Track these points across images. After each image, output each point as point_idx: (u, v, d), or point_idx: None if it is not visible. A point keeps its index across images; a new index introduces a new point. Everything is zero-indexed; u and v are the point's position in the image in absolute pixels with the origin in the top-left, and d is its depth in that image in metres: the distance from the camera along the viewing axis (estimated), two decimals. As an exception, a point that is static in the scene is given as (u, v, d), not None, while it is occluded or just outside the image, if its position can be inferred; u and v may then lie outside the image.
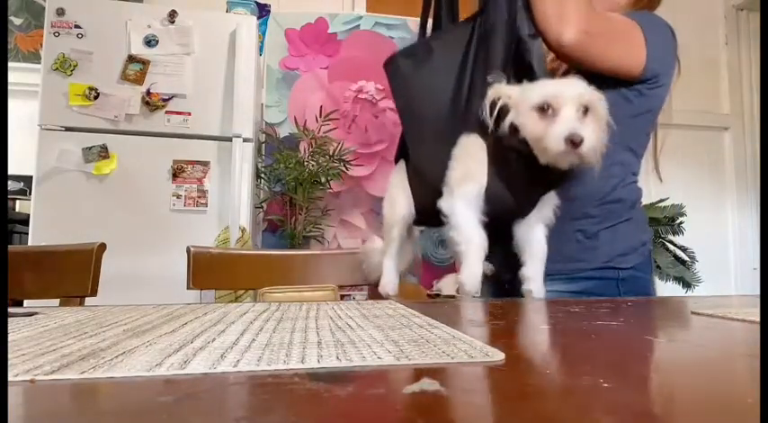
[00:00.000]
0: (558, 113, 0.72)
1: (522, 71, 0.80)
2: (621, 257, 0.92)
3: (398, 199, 0.91)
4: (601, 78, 0.83)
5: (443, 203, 0.80)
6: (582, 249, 0.92)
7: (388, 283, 0.94)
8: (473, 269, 0.77)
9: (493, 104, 0.75)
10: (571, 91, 0.73)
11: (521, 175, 0.76)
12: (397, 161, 0.96)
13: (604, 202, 0.92)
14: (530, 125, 0.73)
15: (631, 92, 0.90)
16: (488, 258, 0.79)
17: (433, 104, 0.85)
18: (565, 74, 0.97)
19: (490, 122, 0.75)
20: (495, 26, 0.82)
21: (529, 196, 0.80)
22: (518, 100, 0.75)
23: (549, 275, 0.88)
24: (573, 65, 0.87)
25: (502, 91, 0.76)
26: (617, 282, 0.91)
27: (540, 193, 0.80)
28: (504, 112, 0.75)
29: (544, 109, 0.72)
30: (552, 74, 0.97)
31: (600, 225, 0.92)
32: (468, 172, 0.78)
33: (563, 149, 0.70)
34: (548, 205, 0.82)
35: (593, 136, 0.71)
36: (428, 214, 0.84)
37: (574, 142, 0.69)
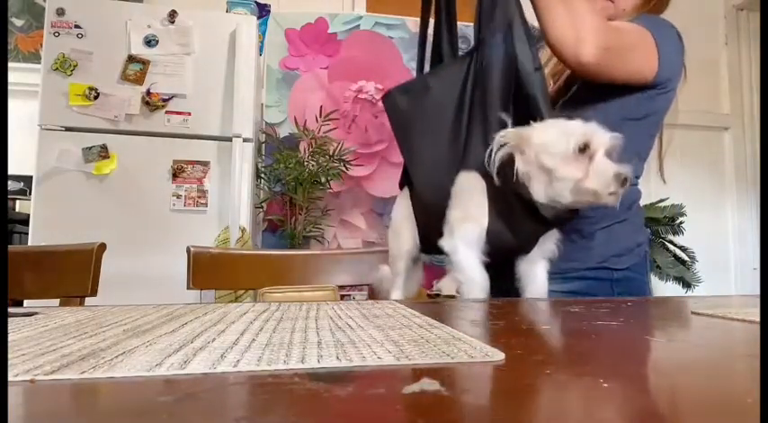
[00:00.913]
0: (595, 155, 0.71)
1: (522, 106, 0.79)
2: (616, 258, 0.92)
3: (403, 231, 0.91)
4: (612, 85, 0.84)
5: (444, 243, 0.80)
6: (576, 249, 0.91)
7: None
8: None
9: (500, 148, 0.74)
10: (604, 133, 0.72)
11: (523, 216, 0.76)
12: (401, 187, 0.95)
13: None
14: (568, 166, 0.71)
15: (642, 95, 0.90)
16: (492, 294, 0.79)
17: (431, 140, 0.86)
18: (568, 80, 0.97)
19: (494, 168, 0.74)
20: (491, 63, 0.81)
21: (530, 235, 0.80)
22: (543, 141, 0.73)
23: None
24: (591, 79, 0.86)
25: (521, 134, 0.74)
26: (611, 282, 0.91)
27: (542, 232, 0.80)
28: (508, 156, 0.74)
29: (581, 150, 0.71)
30: (563, 85, 0.98)
31: (596, 225, 0.92)
32: (469, 212, 0.78)
33: (612, 189, 0.70)
34: (550, 240, 0.81)
35: (632, 176, 0.72)
36: (432, 244, 0.84)
37: (626, 179, 0.69)
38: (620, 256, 0.92)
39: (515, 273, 0.83)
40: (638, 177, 0.98)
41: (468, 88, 0.84)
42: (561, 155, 0.71)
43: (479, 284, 0.78)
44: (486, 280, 0.78)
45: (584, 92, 0.91)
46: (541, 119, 0.76)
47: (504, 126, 0.76)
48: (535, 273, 0.82)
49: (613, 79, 0.85)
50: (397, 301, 0.73)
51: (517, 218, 0.77)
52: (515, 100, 0.81)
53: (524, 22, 0.81)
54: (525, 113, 0.78)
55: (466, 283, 0.78)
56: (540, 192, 0.74)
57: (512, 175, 0.73)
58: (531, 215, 0.75)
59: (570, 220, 0.80)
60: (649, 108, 0.92)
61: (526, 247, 0.81)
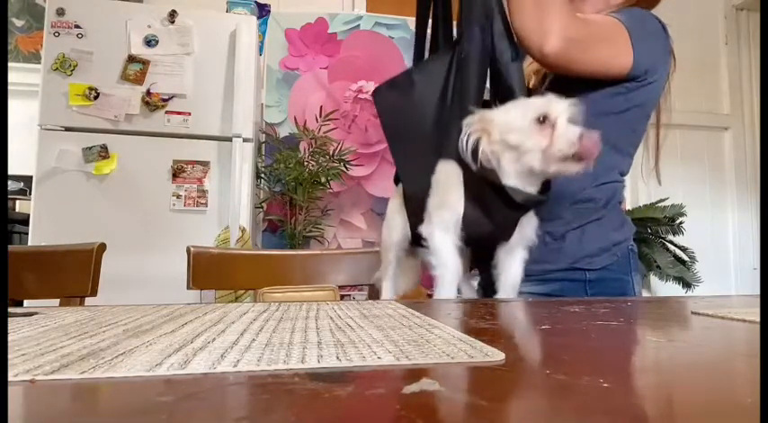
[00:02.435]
0: (556, 122, 0.73)
1: (504, 97, 0.81)
2: (589, 258, 0.91)
3: (394, 223, 0.93)
4: (586, 79, 0.83)
5: (423, 229, 0.82)
6: (548, 251, 0.91)
7: None
8: (446, 294, 0.79)
9: (468, 134, 0.76)
10: (561, 102, 0.74)
11: (496, 202, 0.77)
12: (397, 183, 0.97)
13: (575, 202, 0.92)
14: (532, 138, 0.73)
15: (617, 88, 0.89)
16: (478, 283, 0.80)
17: (416, 134, 0.87)
18: (548, 79, 0.96)
19: (468, 155, 0.75)
20: (470, 55, 0.83)
21: (505, 221, 0.80)
22: (505, 120, 0.75)
23: None
24: (558, 72, 0.87)
25: (483, 116, 0.76)
26: (584, 283, 0.90)
27: (516, 217, 0.81)
28: (478, 141, 0.76)
29: (541, 120, 0.73)
30: (540, 80, 0.98)
31: (567, 226, 0.92)
32: (445, 199, 0.80)
33: (576, 150, 0.71)
34: (529, 226, 0.82)
35: (598, 138, 0.72)
36: (420, 237, 0.86)
37: (589, 140, 0.70)
38: (593, 256, 0.91)
39: (494, 260, 0.84)
40: (622, 174, 0.96)
41: (450, 81, 0.85)
42: (523, 129, 0.74)
43: (452, 270, 0.79)
44: (459, 265, 0.80)
45: (558, 86, 0.91)
46: None
47: None
48: (511, 262, 0.83)
49: (580, 72, 0.84)
50: (397, 300, 0.73)
51: (491, 204, 0.78)
52: (496, 91, 0.83)
53: (503, 14, 0.83)
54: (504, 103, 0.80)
55: (438, 267, 0.80)
56: (510, 171, 0.75)
57: (483, 157, 0.75)
58: (502, 200, 0.77)
59: (541, 202, 0.80)
60: (630, 101, 0.90)
61: (504, 233, 0.82)
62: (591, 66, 0.85)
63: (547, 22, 0.79)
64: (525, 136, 0.74)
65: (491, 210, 0.78)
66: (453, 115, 0.82)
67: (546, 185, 0.79)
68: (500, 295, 0.84)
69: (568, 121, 0.73)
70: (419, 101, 0.87)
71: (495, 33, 0.82)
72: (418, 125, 0.87)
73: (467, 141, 0.75)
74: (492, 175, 0.76)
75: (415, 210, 0.86)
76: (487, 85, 0.85)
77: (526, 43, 0.82)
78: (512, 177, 0.76)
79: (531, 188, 0.77)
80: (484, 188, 0.77)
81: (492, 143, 0.76)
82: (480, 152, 0.75)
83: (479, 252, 0.89)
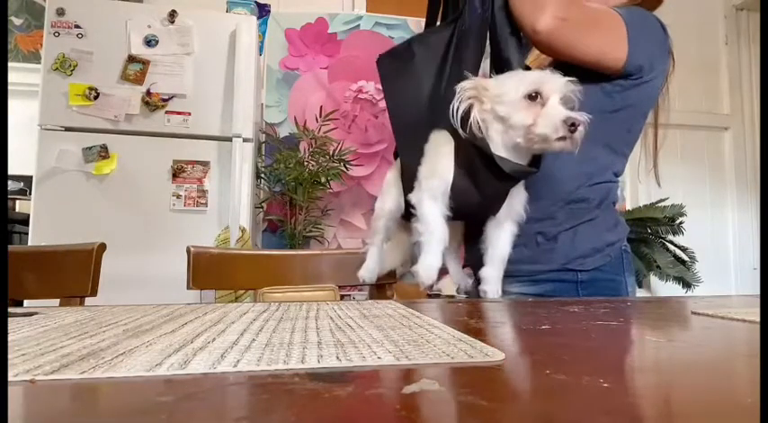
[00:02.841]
0: (547, 101, 0.73)
1: (501, 70, 0.82)
2: (581, 259, 0.90)
3: (389, 193, 0.93)
4: (581, 71, 0.83)
5: (412, 196, 0.83)
6: (540, 252, 0.91)
7: (366, 268, 0.96)
8: (431, 260, 0.78)
9: (461, 101, 0.76)
10: (557, 80, 0.74)
11: (484, 171, 0.78)
12: (396, 157, 0.97)
13: (569, 202, 0.92)
14: (519, 113, 0.74)
15: (612, 86, 0.88)
16: (466, 260, 0.80)
17: (414, 105, 0.88)
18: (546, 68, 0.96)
19: (457, 120, 0.76)
20: (470, 28, 0.84)
21: (494, 192, 0.81)
22: (498, 91, 0.76)
23: (512, 276, 0.89)
24: (551, 55, 0.87)
25: (478, 83, 0.77)
26: (576, 284, 0.90)
27: (505, 188, 0.81)
28: (469, 108, 0.77)
29: (533, 97, 0.73)
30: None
31: (560, 227, 0.91)
32: (435, 167, 0.80)
33: (560, 134, 0.71)
34: (517, 199, 0.83)
35: (585, 121, 0.72)
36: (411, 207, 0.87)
37: (574, 125, 0.70)
38: (586, 257, 0.90)
39: (482, 234, 0.85)
40: (617, 175, 0.96)
41: (450, 52, 0.86)
42: (513, 102, 0.74)
43: (437, 237, 0.79)
44: (446, 233, 0.80)
45: None
46: None
47: None
48: (499, 234, 0.84)
49: (572, 56, 0.84)
50: (397, 300, 0.73)
51: (480, 174, 0.78)
52: (495, 64, 0.84)
53: None
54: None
55: (425, 234, 0.80)
56: (497, 141, 0.76)
57: (473, 123, 0.76)
58: (491, 171, 0.77)
59: (530, 174, 0.80)
60: (625, 100, 0.89)
61: (492, 205, 0.82)
62: (583, 52, 0.84)
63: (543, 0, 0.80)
64: (513, 110, 0.74)
65: (480, 180, 0.79)
66: (450, 87, 0.82)
67: (537, 158, 0.80)
68: (487, 269, 0.84)
69: (561, 100, 0.73)
70: (418, 72, 0.88)
71: (496, 6, 0.83)
72: (416, 96, 0.88)
73: (457, 107, 0.76)
74: (481, 142, 0.76)
75: (410, 180, 0.86)
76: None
77: (520, 19, 0.82)
78: (500, 148, 0.76)
79: (521, 160, 0.78)
80: (473, 158, 0.78)
81: (483, 111, 0.76)
82: (471, 118, 0.76)
83: (469, 227, 0.89)
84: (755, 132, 3.55)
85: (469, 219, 0.88)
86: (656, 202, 2.86)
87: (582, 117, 0.71)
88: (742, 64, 3.60)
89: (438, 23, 0.97)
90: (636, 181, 3.04)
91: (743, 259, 3.48)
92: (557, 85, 0.73)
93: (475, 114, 0.76)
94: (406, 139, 0.89)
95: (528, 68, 0.85)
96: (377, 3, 3.13)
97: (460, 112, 0.76)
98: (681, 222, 2.81)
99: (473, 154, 0.77)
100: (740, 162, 3.55)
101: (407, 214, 0.90)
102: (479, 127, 0.76)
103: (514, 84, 0.75)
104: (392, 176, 0.95)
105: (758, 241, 3.42)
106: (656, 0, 0.99)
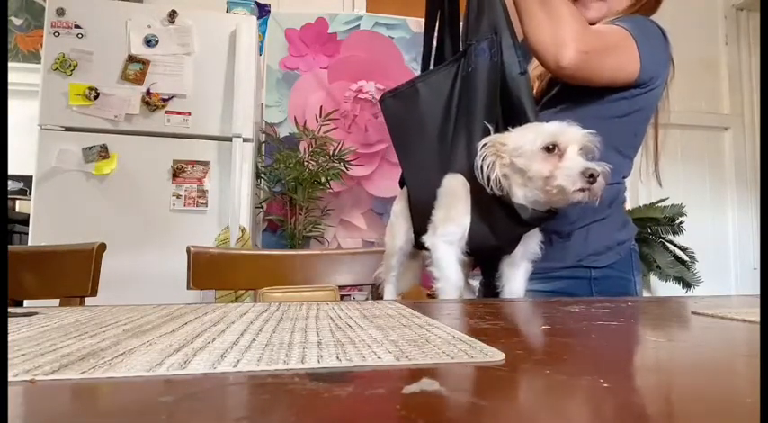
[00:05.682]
0: (565, 153, 0.73)
1: (509, 110, 0.81)
2: (594, 256, 0.92)
3: (398, 228, 0.94)
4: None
5: (427, 240, 0.83)
6: (554, 249, 0.92)
7: None
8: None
9: (484, 157, 0.76)
10: (575, 131, 0.73)
11: (502, 218, 0.78)
12: (402, 185, 0.98)
13: None
14: (536, 165, 0.73)
15: (623, 94, 0.90)
16: (480, 282, 0.80)
17: (421, 143, 0.89)
18: (551, 81, 0.97)
19: (484, 179, 0.76)
20: (477, 70, 0.83)
21: (509, 235, 0.81)
22: (516, 144, 0.75)
23: None
24: (571, 82, 0.87)
25: (496, 140, 0.77)
26: (589, 281, 0.91)
27: (521, 233, 0.81)
28: (492, 163, 0.77)
29: (550, 149, 0.73)
30: (545, 85, 0.98)
31: (573, 225, 0.92)
32: (451, 214, 0.81)
33: (579, 186, 0.71)
34: (532, 240, 0.83)
35: (604, 172, 0.72)
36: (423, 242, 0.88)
37: (593, 176, 0.70)
38: (599, 254, 0.92)
39: (498, 271, 0.85)
40: (624, 177, 0.97)
41: (454, 95, 0.87)
42: (530, 154, 0.74)
43: (453, 283, 0.80)
44: (460, 280, 0.81)
45: (566, 92, 0.92)
46: (527, 122, 0.78)
47: (487, 133, 0.78)
48: (515, 274, 0.84)
49: (593, 82, 0.86)
50: (397, 300, 0.73)
51: (497, 219, 0.79)
52: (503, 103, 0.83)
53: (510, 27, 0.82)
54: (512, 116, 0.80)
55: (440, 280, 0.81)
56: (519, 194, 0.76)
57: (495, 180, 0.76)
58: (509, 217, 0.77)
59: (547, 220, 0.80)
60: (632, 106, 0.91)
61: (507, 247, 0.83)
62: (604, 76, 0.85)
63: (561, 34, 0.79)
64: (531, 162, 0.74)
65: (497, 226, 0.79)
66: (460, 130, 0.83)
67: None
68: None
69: (581, 150, 0.73)
70: (422, 112, 0.89)
71: (503, 46, 0.82)
72: (422, 136, 0.89)
73: (481, 166, 0.76)
74: (504, 198, 0.76)
75: (420, 216, 0.87)
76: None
77: (542, 57, 0.82)
78: (521, 199, 0.76)
79: (540, 209, 0.77)
80: (491, 204, 0.78)
81: (503, 166, 0.76)
82: (493, 176, 0.76)
83: (483, 261, 0.90)
84: (755, 132, 3.55)
85: (484, 258, 0.89)
86: (657, 202, 2.86)
87: (600, 167, 0.71)
88: (742, 64, 3.60)
89: (437, 27, 0.97)
90: (636, 181, 3.04)
91: (743, 259, 3.48)
92: (574, 137, 0.73)
93: (497, 173, 0.76)
94: (416, 177, 0.90)
95: (537, 102, 0.84)
96: (377, 3, 3.13)
97: (485, 171, 0.75)
98: (681, 222, 2.81)
99: (491, 201, 0.77)
100: (740, 162, 3.55)
101: (417, 244, 0.91)
102: (500, 185, 0.76)
103: (532, 136, 0.74)
104: (399, 209, 0.95)
105: (758, 241, 3.42)
106: (654, 4, 1.00)
